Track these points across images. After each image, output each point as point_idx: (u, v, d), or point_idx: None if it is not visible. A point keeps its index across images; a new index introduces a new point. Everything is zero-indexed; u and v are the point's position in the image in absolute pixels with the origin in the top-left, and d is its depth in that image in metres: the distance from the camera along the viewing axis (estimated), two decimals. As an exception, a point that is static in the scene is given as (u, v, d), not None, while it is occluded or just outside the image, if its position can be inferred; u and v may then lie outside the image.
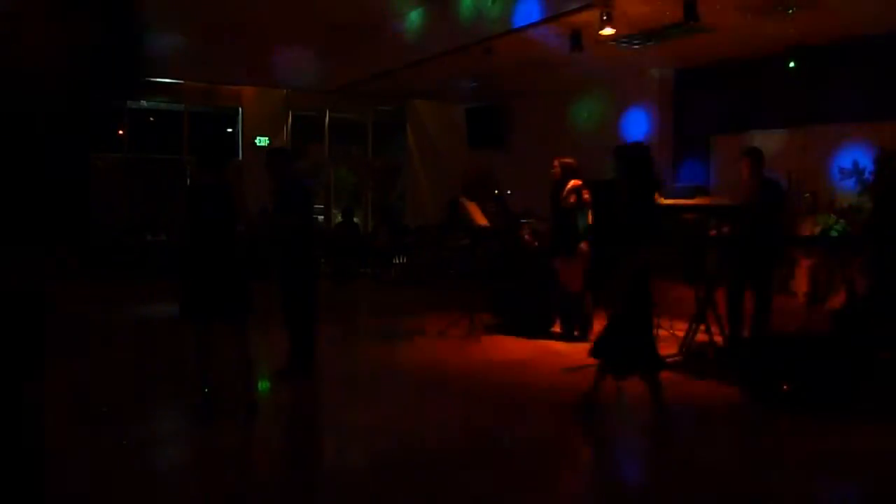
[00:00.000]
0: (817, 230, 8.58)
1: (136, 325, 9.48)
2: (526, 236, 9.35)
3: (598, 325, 7.87)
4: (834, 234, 8.34)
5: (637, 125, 11.67)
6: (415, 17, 11.47)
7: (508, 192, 13.49)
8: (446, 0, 10.62)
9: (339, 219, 15.56)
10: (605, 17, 8.48)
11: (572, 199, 7.79)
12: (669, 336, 7.56)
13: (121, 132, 15.31)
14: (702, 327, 6.86)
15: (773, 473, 4.33)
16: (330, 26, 12.24)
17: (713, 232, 7.13)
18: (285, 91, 15.74)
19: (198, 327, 5.22)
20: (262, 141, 15.96)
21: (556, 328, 8.32)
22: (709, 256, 7.47)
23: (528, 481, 4.20)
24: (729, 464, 4.54)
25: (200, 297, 5.14)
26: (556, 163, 8.00)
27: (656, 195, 5.43)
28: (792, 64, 9.65)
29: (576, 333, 8.04)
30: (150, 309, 10.44)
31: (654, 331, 5.53)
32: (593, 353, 5.27)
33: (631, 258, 5.07)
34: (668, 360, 6.86)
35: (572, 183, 7.83)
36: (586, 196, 7.79)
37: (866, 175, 9.10)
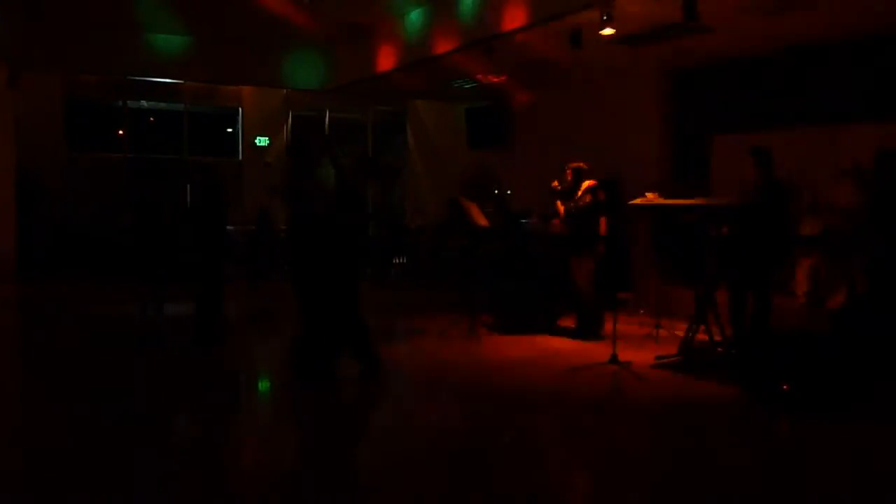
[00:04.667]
0: (817, 230, 8.56)
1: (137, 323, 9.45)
2: (555, 221, 8.82)
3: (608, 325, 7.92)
4: (833, 234, 8.33)
5: (637, 125, 11.65)
6: (415, 17, 11.46)
7: (508, 192, 13.48)
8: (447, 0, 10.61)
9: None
10: (605, 17, 8.47)
11: (588, 198, 8.12)
12: (669, 336, 7.57)
13: (121, 132, 15.32)
14: (702, 327, 6.86)
15: (771, 473, 4.33)
16: (330, 26, 12.23)
17: (713, 232, 7.12)
18: (285, 91, 15.72)
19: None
20: (262, 141, 15.97)
21: (565, 323, 8.55)
22: (709, 256, 7.46)
23: (535, 481, 4.22)
24: (727, 463, 4.54)
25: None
26: (567, 169, 8.39)
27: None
28: (791, 64, 9.64)
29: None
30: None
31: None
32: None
33: None
34: (669, 359, 6.90)
35: (587, 183, 8.19)
36: (602, 196, 8.13)
37: (866, 175, 9.08)
